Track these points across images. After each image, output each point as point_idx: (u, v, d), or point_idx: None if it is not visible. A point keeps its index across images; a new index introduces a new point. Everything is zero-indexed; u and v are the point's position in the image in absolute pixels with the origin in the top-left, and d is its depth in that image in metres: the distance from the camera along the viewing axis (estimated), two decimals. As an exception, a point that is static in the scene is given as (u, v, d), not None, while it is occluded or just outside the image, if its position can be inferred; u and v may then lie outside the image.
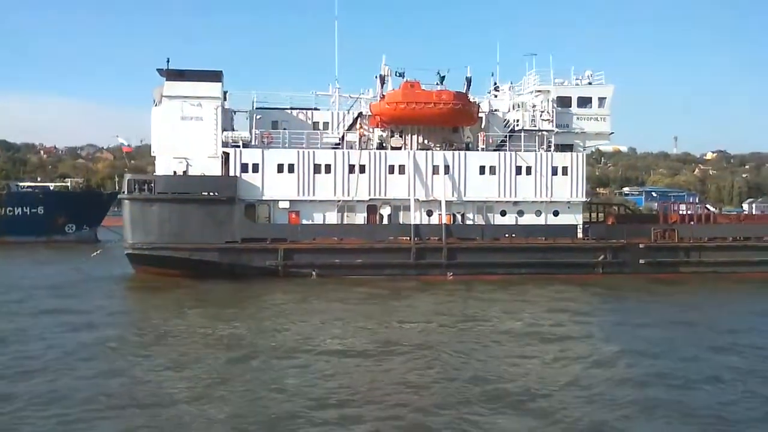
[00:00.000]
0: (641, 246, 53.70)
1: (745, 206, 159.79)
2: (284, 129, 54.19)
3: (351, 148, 53.55)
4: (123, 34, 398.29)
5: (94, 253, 57.59)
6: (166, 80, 51.72)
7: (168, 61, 52.71)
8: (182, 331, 32.04)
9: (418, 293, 44.98)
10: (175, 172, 51.28)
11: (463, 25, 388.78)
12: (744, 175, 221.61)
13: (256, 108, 55.35)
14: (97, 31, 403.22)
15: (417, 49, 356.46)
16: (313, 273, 50.19)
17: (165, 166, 51.66)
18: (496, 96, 58.36)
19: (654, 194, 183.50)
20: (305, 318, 35.74)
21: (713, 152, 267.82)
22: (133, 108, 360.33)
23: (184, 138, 51.31)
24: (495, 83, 59.46)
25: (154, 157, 52.83)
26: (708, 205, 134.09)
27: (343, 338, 31.13)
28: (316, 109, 56.66)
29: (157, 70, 52.23)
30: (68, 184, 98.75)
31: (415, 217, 52.71)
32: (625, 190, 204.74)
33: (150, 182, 51.16)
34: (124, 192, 51.68)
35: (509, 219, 54.01)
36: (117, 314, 37.15)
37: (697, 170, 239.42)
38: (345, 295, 42.99)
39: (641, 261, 53.37)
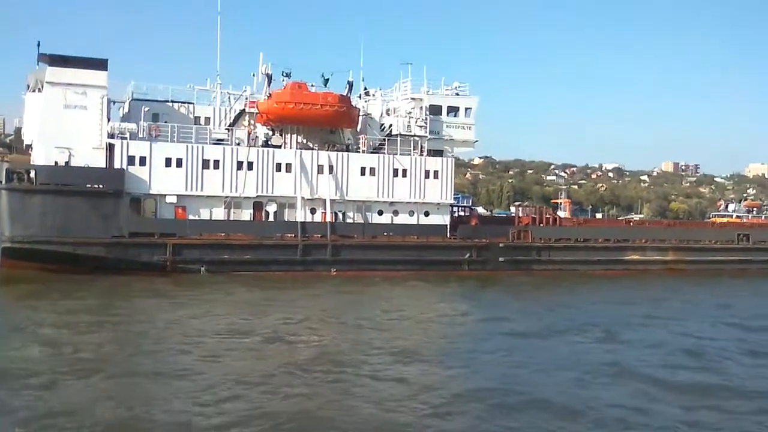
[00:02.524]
0: (501, 245, 58.88)
1: (513, 209, 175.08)
2: (165, 122, 53.29)
3: (239, 144, 53.85)
4: None
5: None
6: (49, 66, 48.94)
7: (39, 45, 50.24)
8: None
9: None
10: (56, 163, 48.75)
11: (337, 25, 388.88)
12: (510, 180, 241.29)
13: (135, 99, 53.95)
14: None
15: (293, 48, 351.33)
16: (202, 269, 50.05)
17: (45, 155, 48.82)
18: (367, 101, 61.03)
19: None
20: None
21: (480, 158, 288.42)
22: None
23: (66, 127, 48.89)
24: (365, 88, 62.10)
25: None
26: (479, 208, 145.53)
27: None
28: (191, 102, 56.23)
29: (39, 54, 49.45)
30: None
31: (300, 214, 54.13)
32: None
33: (31, 172, 48.35)
34: (2, 182, 48.31)
35: (386, 218, 56.96)
36: None
37: (468, 174, 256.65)
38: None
39: (501, 259, 58.47)
